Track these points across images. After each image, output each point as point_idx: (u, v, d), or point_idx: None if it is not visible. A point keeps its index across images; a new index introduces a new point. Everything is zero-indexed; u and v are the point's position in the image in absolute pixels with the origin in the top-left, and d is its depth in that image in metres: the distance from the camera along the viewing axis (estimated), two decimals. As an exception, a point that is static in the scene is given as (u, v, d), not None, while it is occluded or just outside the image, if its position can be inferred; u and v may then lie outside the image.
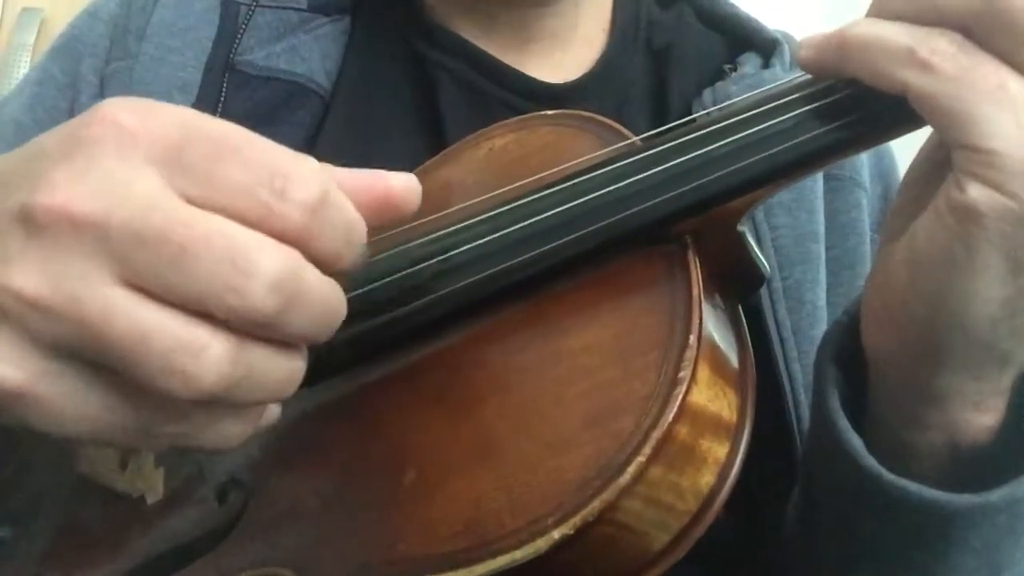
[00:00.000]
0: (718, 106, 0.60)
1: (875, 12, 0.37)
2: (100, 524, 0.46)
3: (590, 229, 0.39)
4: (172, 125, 0.30)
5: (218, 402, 0.30)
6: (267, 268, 0.29)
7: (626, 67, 0.66)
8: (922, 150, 0.42)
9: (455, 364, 0.41)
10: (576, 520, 0.33)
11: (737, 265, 0.42)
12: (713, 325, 0.38)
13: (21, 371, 0.29)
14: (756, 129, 0.38)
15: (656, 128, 0.42)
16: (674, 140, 0.40)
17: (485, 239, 0.40)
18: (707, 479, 0.36)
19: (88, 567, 0.45)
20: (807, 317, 0.57)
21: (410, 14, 0.66)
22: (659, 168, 0.39)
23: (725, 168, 0.38)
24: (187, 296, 0.29)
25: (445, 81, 0.63)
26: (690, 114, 0.61)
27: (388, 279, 0.41)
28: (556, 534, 0.33)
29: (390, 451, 0.39)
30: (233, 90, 0.61)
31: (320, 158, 0.32)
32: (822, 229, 0.60)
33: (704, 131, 0.39)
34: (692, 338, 0.36)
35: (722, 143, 0.38)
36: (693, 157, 0.39)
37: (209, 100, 0.61)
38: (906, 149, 0.45)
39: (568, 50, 0.66)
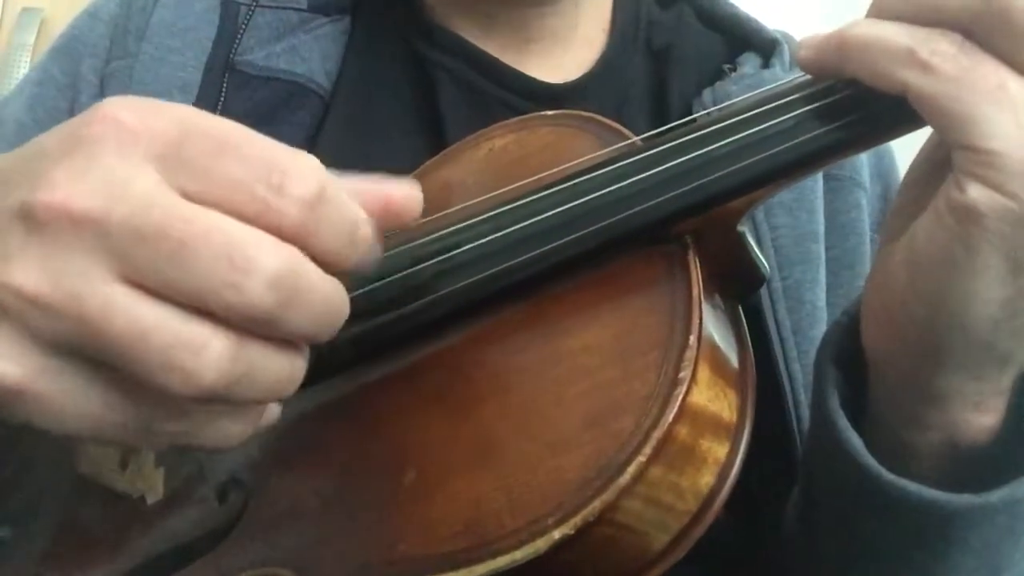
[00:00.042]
0: (718, 106, 0.60)
1: (875, 12, 0.37)
2: (100, 524, 0.46)
3: (590, 229, 0.39)
4: (171, 122, 0.30)
5: (218, 400, 0.30)
6: (265, 264, 0.29)
7: (626, 67, 0.66)
8: (922, 150, 0.42)
9: (455, 364, 0.41)
10: (576, 520, 0.33)
11: (737, 265, 0.42)
12: (713, 325, 0.38)
13: (21, 368, 0.29)
14: (756, 129, 0.38)
15: (656, 128, 0.42)
16: (674, 140, 0.40)
17: (487, 239, 0.40)
18: (707, 479, 0.36)
19: (88, 567, 0.45)
20: (807, 317, 0.57)
21: (410, 14, 0.66)
22: (659, 168, 0.39)
23: (725, 168, 0.38)
24: (186, 292, 0.29)
25: (445, 81, 0.63)
26: (690, 114, 0.61)
27: (390, 279, 0.41)
28: (556, 534, 0.33)
29: (390, 451, 0.39)
30: (233, 90, 0.61)
31: (320, 158, 0.32)
32: (822, 229, 0.61)
33: (704, 131, 0.39)
34: (692, 338, 0.36)
35: (722, 143, 0.38)
36: (693, 157, 0.39)
37: (209, 100, 0.61)
38: (906, 149, 0.45)
39: (568, 50, 0.66)
